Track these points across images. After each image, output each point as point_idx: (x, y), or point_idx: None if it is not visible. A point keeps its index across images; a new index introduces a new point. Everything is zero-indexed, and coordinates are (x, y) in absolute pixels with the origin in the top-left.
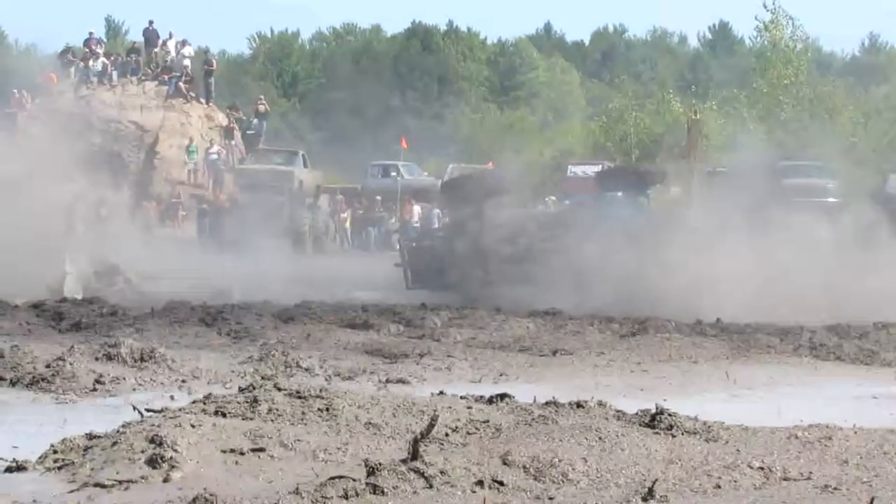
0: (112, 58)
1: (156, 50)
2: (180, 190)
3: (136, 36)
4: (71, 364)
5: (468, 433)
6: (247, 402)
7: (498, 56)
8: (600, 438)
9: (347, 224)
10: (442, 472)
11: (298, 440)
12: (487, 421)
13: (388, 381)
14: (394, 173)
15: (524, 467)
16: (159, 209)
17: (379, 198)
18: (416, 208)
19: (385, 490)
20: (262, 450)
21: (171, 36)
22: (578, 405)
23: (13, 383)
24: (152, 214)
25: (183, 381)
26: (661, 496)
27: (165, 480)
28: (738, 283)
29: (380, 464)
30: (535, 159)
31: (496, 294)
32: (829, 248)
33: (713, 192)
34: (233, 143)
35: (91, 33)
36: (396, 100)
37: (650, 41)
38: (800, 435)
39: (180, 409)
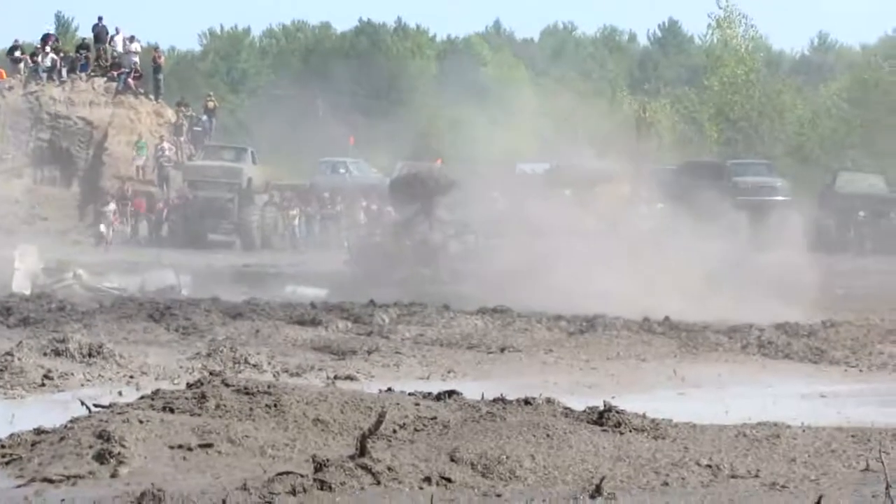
0: (61, 54)
1: (104, 46)
2: (129, 186)
3: (85, 32)
4: (19, 359)
5: (416, 430)
6: (195, 397)
7: (447, 53)
8: (548, 435)
9: (296, 221)
10: (389, 469)
11: (246, 436)
12: (435, 418)
13: (336, 377)
14: (342, 170)
15: (472, 464)
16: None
17: (327, 194)
18: (366, 205)
19: (332, 486)
20: (209, 445)
21: (118, 31)
22: (526, 402)
23: None
24: (108, 210)
25: (131, 377)
26: (608, 493)
27: (113, 476)
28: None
29: (327, 460)
30: (483, 156)
31: (444, 291)
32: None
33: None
34: (182, 139)
35: (50, 31)
36: (345, 97)
37: (599, 39)
38: (748, 433)
39: (128, 405)
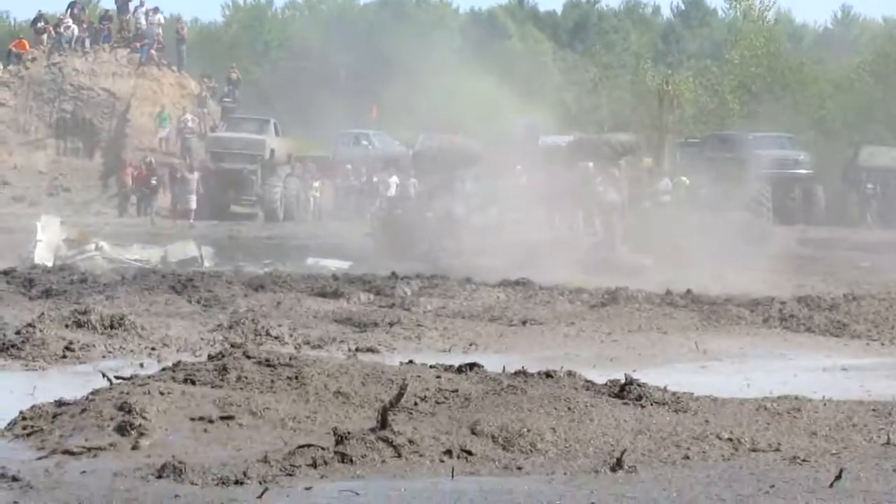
0: (84, 25)
1: (127, 17)
2: (152, 158)
3: (108, 3)
4: (41, 331)
5: (437, 402)
6: (216, 370)
7: (470, 25)
8: (569, 408)
9: (318, 193)
10: (410, 442)
11: (267, 408)
12: (456, 390)
13: (357, 349)
14: (365, 142)
15: (493, 437)
16: (134, 174)
17: (350, 166)
18: (394, 178)
19: (353, 459)
20: (230, 418)
21: (141, 3)
22: (548, 375)
23: None
24: (129, 182)
25: (152, 349)
26: (629, 466)
27: (134, 448)
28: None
29: (348, 432)
30: (506, 129)
31: (466, 263)
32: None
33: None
34: (205, 111)
35: (76, 1)
36: (368, 69)
37: (623, 11)
38: (769, 406)
39: (149, 377)
